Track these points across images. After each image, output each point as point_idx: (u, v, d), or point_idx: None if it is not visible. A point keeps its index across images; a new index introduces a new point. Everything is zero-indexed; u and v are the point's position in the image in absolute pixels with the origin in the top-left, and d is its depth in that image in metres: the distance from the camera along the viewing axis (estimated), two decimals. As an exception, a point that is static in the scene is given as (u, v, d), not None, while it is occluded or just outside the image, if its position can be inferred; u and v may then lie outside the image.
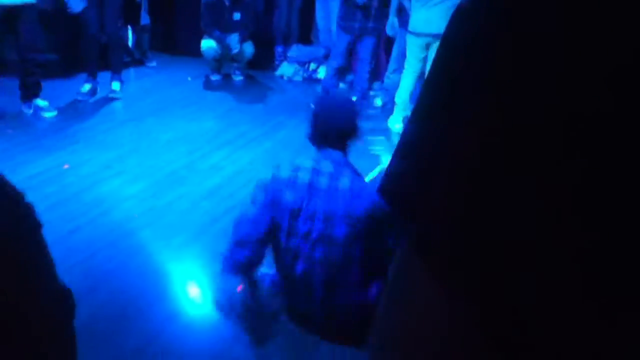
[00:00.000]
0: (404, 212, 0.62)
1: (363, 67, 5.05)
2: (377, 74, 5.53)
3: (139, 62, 6.14)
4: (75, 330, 0.70)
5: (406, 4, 4.73)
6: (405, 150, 0.62)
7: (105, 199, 3.14)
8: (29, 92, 4.33)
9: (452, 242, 0.57)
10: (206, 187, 3.33)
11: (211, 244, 2.63)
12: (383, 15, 4.94)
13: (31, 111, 4.36)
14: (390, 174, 0.64)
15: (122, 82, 5.00)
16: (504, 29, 0.52)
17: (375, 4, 4.85)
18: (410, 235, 0.63)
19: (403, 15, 4.97)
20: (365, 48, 4.97)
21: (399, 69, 4.97)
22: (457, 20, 0.59)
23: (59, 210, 2.96)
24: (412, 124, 0.62)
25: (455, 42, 0.59)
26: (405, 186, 0.61)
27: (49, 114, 4.37)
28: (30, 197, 2.87)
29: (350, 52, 5.08)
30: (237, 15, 5.44)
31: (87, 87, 4.82)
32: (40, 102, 4.37)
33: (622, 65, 0.46)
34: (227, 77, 5.82)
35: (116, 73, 4.95)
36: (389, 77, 5.20)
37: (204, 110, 4.87)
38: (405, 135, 0.63)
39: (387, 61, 5.33)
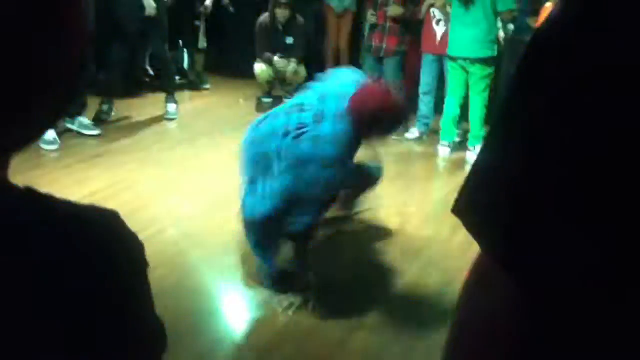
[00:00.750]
0: (479, 234, 0.62)
1: None
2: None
3: (194, 84, 6.31)
4: None
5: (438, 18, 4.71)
6: (484, 176, 0.62)
7: (160, 218, 3.22)
8: (74, 110, 4.40)
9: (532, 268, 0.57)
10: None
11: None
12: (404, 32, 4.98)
13: (75, 128, 4.44)
14: (466, 197, 0.65)
15: (176, 103, 5.13)
16: (600, 62, 0.51)
17: (388, 22, 4.90)
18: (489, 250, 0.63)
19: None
20: (389, 70, 5.00)
21: (430, 92, 4.92)
22: (537, 50, 0.58)
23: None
24: (493, 148, 0.62)
25: (537, 75, 0.57)
26: (482, 210, 0.61)
27: (91, 132, 4.45)
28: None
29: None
30: (289, 39, 5.55)
31: (105, 107, 4.91)
32: (84, 120, 4.47)
33: None
34: (278, 99, 5.91)
35: (169, 95, 5.10)
36: (422, 101, 5.02)
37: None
38: (485, 159, 0.63)
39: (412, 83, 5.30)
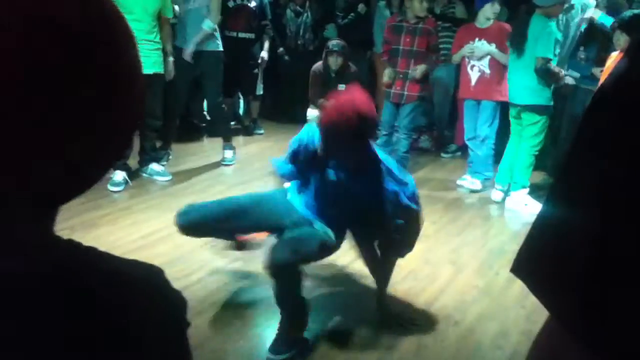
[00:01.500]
0: (549, 300, 0.59)
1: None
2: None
3: (248, 130, 6.46)
4: None
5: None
6: (549, 235, 0.60)
7: (212, 261, 3.26)
8: (146, 157, 4.66)
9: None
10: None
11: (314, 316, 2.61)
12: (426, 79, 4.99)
13: (147, 175, 4.66)
14: (528, 256, 0.61)
15: (233, 149, 5.26)
16: None
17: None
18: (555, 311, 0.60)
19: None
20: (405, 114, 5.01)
21: (476, 136, 4.88)
22: (602, 106, 0.57)
23: (169, 269, 3.09)
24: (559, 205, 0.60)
25: (603, 132, 0.56)
26: (551, 273, 0.58)
27: (163, 178, 4.65)
28: (144, 255, 3.04)
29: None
30: (342, 86, 5.63)
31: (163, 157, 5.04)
32: (156, 166, 4.69)
33: None
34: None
35: (227, 142, 5.25)
36: (470, 147, 4.98)
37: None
38: (549, 218, 0.61)
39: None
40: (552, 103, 4.32)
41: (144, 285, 0.62)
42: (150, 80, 4.21)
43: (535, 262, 0.61)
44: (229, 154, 5.23)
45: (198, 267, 3.15)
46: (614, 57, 3.99)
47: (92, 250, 0.61)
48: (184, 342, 0.66)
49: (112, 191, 4.22)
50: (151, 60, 4.24)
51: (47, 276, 0.55)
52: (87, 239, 3.42)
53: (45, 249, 0.58)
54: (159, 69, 4.39)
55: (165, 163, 4.94)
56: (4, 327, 0.53)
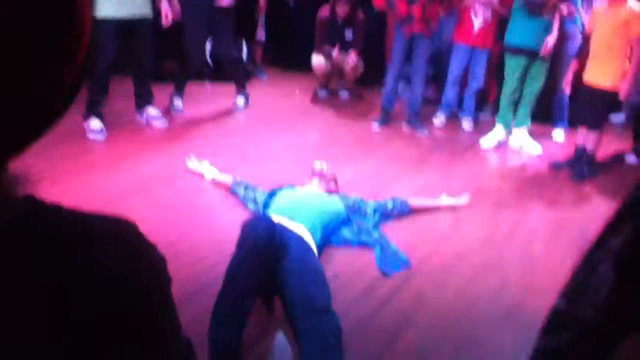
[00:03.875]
0: None
1: (416, 79, 4.91)
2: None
3: (251, 75, 6.36)
4: None
5: None
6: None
7: (213, 206, 3.24)
8: (142, 101, 4.50)
9: None
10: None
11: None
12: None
13: (143, 120, 4.52)
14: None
15: (246, 97, 5.18)
16: None
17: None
18: None
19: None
20: (419, 52, 4.80)
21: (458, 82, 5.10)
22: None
23: (170, 213, 3.09)
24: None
25: None
26: None
27: (159, 123, 4.51)
28: (144, 199, 3.00)
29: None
30: (348, 33, 5.50)
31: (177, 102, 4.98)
32: (152, 110, 4.54)
33: None
34: (334, 93, 5.87)
35: (240, 88, 5.15)
36: (449, 89, 5.18)
37: (310, 124, 4.93)
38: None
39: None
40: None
41: (114, 240, 0.57)
42: (136, 24, 4.06)
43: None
44: (241, 100, 5.15)
45: (199, 213, 3.14)
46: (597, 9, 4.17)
47: (57, 207, 0.56)
48: (164, 297, 0.61)
49: (93, 139, 4.09)
50: (135, 1, 4.03)
51: (9, 233, 0.51)
52: (83, 183, 3.40)
53: (3, 207, 0.52)
54: (146, 13, 4.16)
55: (180, 112, 4.86)
56: None
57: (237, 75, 5.17)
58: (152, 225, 3.27)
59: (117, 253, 0.56)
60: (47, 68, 0.51)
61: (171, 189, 3.41)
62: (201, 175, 3.57)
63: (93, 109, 4.16)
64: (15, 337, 0.51)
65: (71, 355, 0.52)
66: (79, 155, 3.76)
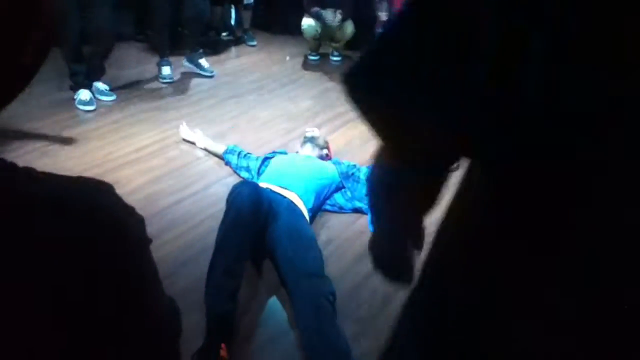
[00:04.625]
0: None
1: None
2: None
3: (240, 41, 6.26)
4: (180, 346, 0.69)
5: None
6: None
7: (206, 174, 3.23)
8: (92, 75, 4.21)
9: None
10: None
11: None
12: None
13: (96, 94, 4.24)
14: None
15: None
16: None
17: None
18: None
19: None
20: None
21: None
22: None
23: (163, 183, 3.08)
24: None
25: None
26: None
27: (108, 98, 4.25)
28: (137, 169, 2.99)
29: None
30: (338, -5, 5.40)
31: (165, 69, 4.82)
32: (100, 85, 4.29)
33: None
34: (325, 57, 5.81)
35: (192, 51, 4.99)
36: None
37: (301, 90, 4.89)
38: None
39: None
40: None
41: (89, 202, 0.56)
42: None
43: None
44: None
45: (193, 181, 3.13)
46: None
47: (30, 170, 0.55)
48: (144, 258, 0.61)
49: (82, 110, 4.00)
50: None
51: None
52: (76, 153, 3.37)
53: None
54: None
55: (172, 81, 4.76)
56: None
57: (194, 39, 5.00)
58: (146, 194, 3.26)
59: (92, 214, 0.56)
60: (13, 32, 0.50)
61: (164, 158, 3.39)
62: (193, 144, 3.55)
63: (77, 81, 4.08)
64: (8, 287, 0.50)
65: (52, 318, 0.52)
66: (70, 127, 3.72)
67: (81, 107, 4.03)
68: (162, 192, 2.97)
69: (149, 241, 0.61)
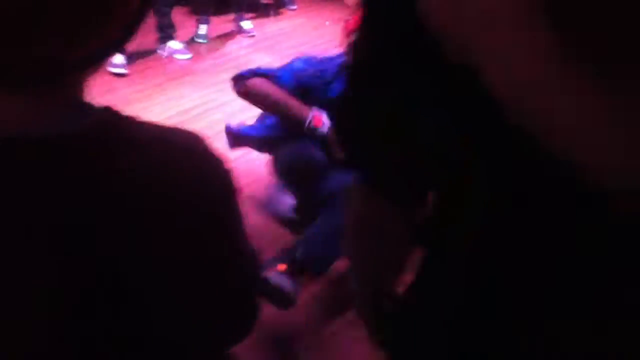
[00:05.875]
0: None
1: None
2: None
3: (280, 4, 6.22)
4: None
5: None
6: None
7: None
8: (164, 35, 4.41)
9: None
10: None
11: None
12: None
13: (165, 54, 4.44)
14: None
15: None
16: None
17: None
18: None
19: None
20: None
21: None
22: None
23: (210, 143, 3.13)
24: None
25: None
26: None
27: (182, 57, 4.43)
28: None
29: None
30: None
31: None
32: (174, 44, 4.45)
33: None
34: (365, 23, 5.73)
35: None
36: None
37: (341, 56, 4.85)
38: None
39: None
40: None
41: (186, 149, 0.60)
42: None
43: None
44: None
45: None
46: None
47: (132, 118, 0.59)
48: (231, 205, 0.64)
49: (115, 73, 4.01)
50: None
51: (86, 139, 0.55)
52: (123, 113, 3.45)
53: (83, 115, 0.57)
54: None
55: (205, 41, 4.79)
56: (31, 187, 0.53)
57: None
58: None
59: (189, 161, 0.59)
60: None
61: (208, 121, 3.44)
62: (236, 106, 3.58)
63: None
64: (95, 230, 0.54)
65: (147, 246, 0.56)
66: (106, 93, 3.79)
67: (116, 70, 4.02)
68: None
69: (236, 190, 0.64)
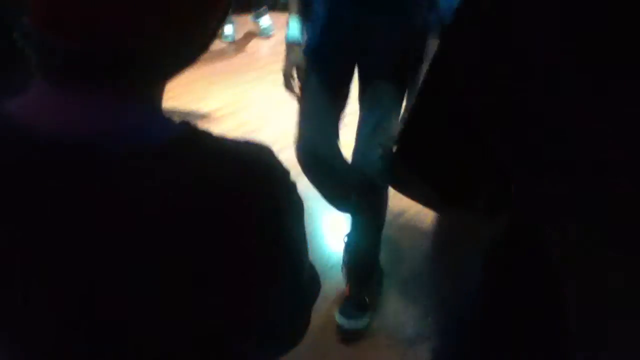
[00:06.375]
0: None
1: None
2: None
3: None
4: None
5: None
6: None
7: (277, 139, 3.23)
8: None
9: None
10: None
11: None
12: None
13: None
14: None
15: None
16: None
17: None
18: None
19: None
20: None
21: None
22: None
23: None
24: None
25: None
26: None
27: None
28: (213, 129, 3.01)
29: None
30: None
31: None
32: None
33: None
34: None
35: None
36: None
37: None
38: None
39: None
40: None
41: (254, 162, 0.61)
42: None
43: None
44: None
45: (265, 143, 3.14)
46: None
47: (208, 133, 0.61)
48: (296, 219, 0.65)
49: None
50: None
51: (160, 155, 0.56)
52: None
53: (161, 129, 0.59)
54: None
55: (232, 40, 4.79)
56: (114, 198, 0.54)
57: None
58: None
59: (255, 174, 0.60)
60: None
61: (236, 121, 3.42)
62: (264, 106, 3.55)
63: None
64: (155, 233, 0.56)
65: (212, 255, 0.57)
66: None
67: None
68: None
69: (302, 205, 0.66)
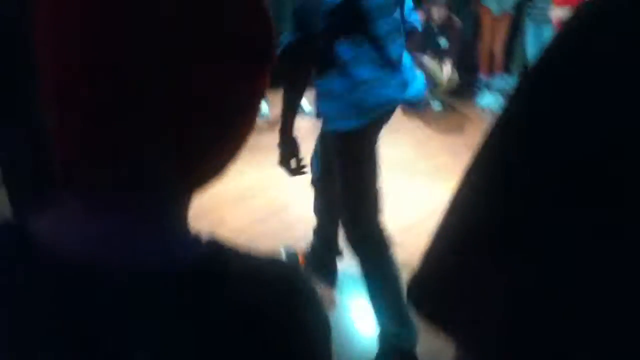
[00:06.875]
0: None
1: None
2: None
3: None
4: None
5: None
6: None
7: (304, 219, 3.22)
8: None
9: None
10: (401, 222, 3.20)
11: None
12: None
13: None
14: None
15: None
16: None
17: None
18: None
19: None
20: None
21: None
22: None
23: (266, 224, 3.10)
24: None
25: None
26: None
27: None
28: (241, 208, 3.04)
29: None
30: (444, 42, 5.34)
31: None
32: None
33: None
34: (425, 104, 5.73)
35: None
36: None
37: (400, 136, 4.82)
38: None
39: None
40: None
41: (280, 284, 0.60)
42: None
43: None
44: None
45: (289, 226, 3.12)
46: None
47: (235, 251, 0.59)
48: (329, 347, 0.62)
49: None
50: None
51: (184, 277, 0.54)
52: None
53: (186, 247, 0.57)
54: None
55: (268, 118, 4.87)
56: (138, 326, 0.52)
57: None
58: (251, 236, 3.30)
59: (285, 300, 0.58)
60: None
61: (265, 198, 3.42)
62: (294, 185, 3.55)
63: None
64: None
65: None
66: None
67: None
68: (262, 237, 2.98)
69: (330, 328, 0.63)
